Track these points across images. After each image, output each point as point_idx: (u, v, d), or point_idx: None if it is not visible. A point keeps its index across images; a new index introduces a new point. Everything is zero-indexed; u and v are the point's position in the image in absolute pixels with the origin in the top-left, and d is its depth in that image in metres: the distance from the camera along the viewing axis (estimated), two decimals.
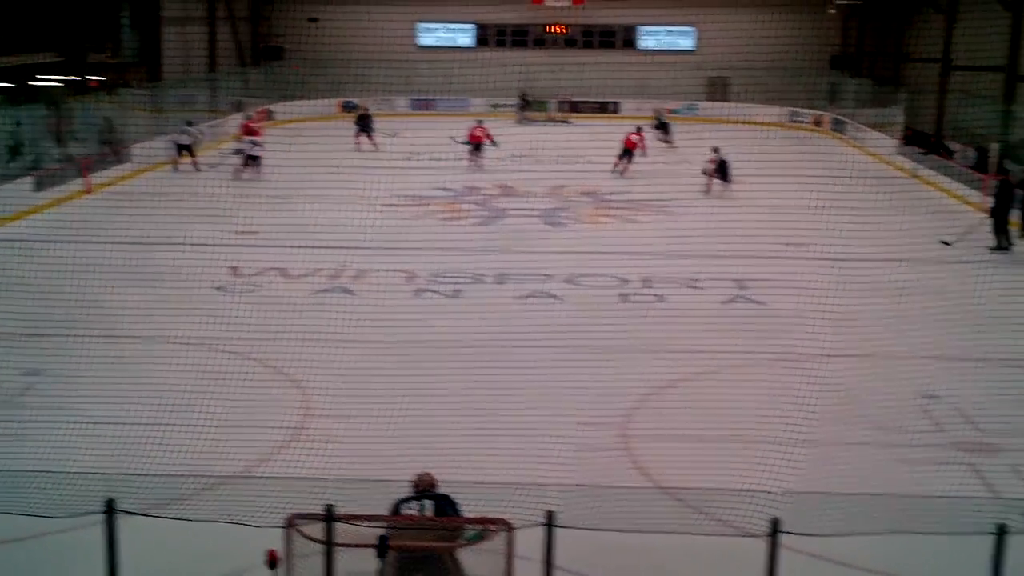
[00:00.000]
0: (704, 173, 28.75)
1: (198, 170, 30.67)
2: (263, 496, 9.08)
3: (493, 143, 32.57)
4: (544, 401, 12.13)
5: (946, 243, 20.99)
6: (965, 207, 26.19)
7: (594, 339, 14.61)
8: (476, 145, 32.68)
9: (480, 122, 34.05)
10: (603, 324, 15.25)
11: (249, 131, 32.11)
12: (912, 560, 9.01)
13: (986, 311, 15.49)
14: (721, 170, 28.52)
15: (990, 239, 21.60)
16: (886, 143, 35.36)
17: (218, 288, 17.49)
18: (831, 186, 25.32)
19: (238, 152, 30.93)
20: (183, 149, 31.39)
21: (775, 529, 7.73)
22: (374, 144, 35.99)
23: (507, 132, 39.55)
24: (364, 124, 36.98)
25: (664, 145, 36.53)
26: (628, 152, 31.70)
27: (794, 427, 11.57)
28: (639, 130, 32.88)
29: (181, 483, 9.64)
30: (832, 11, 46.52)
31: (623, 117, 46.42)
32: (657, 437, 11.52)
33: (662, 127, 38.08)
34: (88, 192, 26.60)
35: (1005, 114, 29.57)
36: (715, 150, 28.80)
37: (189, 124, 32.56)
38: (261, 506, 8.19)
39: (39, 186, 25.42)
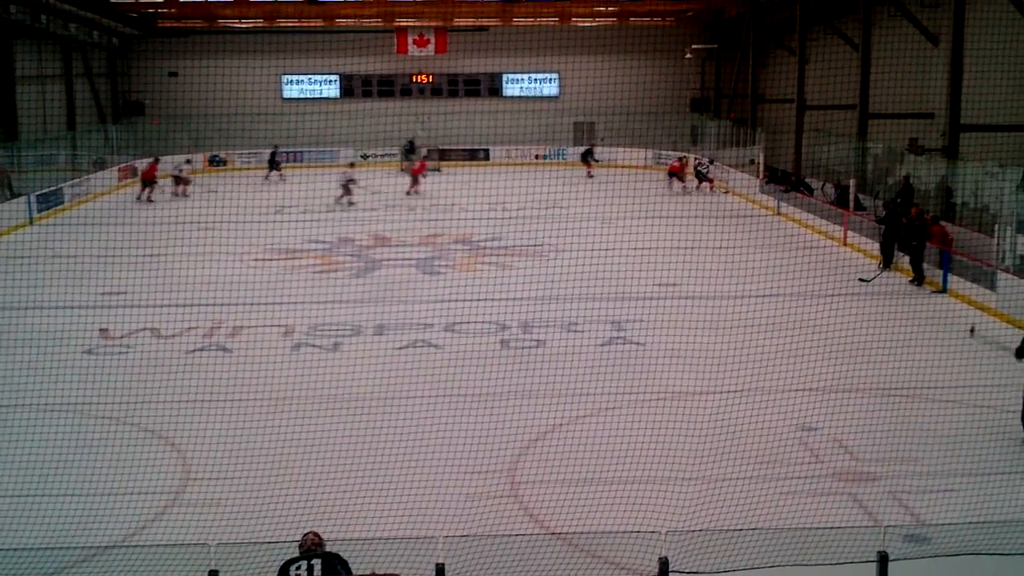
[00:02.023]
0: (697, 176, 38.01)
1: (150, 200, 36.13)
2: (144, 565, 8.81)
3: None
4: (430, 451, 12.04)
5: (864, 280, 21.43)
6: (828, 241, 27.03)
7: (477, 387, 14.58)
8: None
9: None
10: (485, 371, 15.23)
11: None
12: None
13: (855, 342, 15.95)
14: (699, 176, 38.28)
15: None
16: (749, 182, 36.34)
17: (87, 351, 16.96)
18: (699, 226, 26.00)
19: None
20: (180, 181, 37.91)
21: (664, 569, 7.78)
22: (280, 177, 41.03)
23: (381, 181, 39.67)
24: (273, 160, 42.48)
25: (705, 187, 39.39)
26: (674, 175, 38.73)
27: (678, 465, 11.74)
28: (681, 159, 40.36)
29: (56, 556, 9.24)
30: (689, 56, 47.87)
31: (494, 164, 46.93)
32: (545, 482, 11.51)
33: (700, 176, 39.93)
34: None
35: (859, 150, 30.67)
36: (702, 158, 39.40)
37: (188, 162, 40.31)
38: None
39: None
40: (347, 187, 35.17)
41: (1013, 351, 13.42)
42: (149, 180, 37.12)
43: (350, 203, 34.82)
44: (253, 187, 37.64)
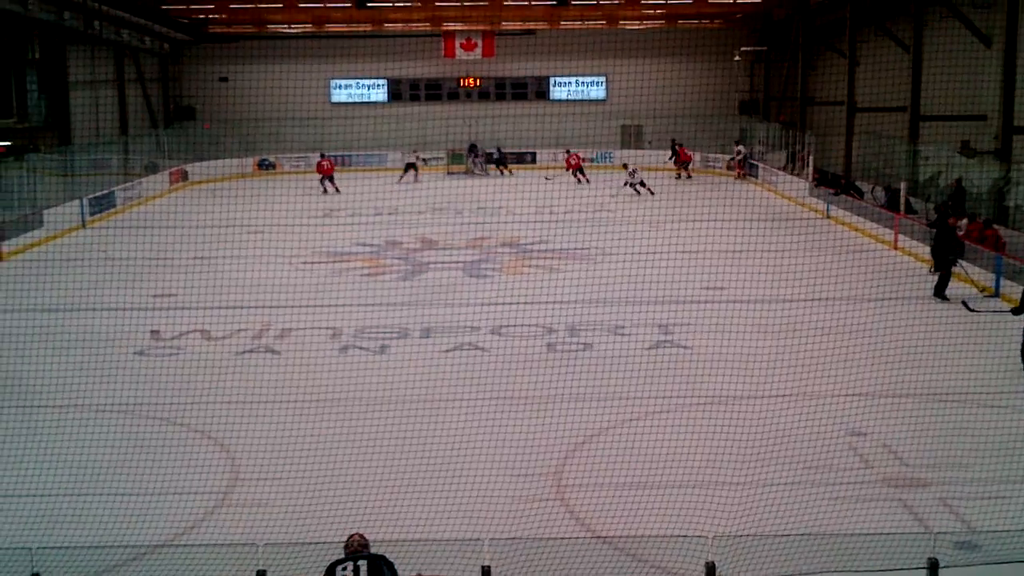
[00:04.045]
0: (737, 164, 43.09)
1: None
2: (193, 565, 8.90)
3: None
4: (476, 454, 12.04)
5: (968, 307, 18.62)
6: (879, 245, 26.76)
7: (523, 390, 14.58)
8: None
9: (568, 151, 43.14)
10: (532, 374, 15.23)
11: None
12: None
13: (905, 347, 15.77)
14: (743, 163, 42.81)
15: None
16: (798, 185, 36.08)
17: (138, 353, 17.16)
18: (747, 229, 25.85)
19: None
20: (410, 167, 42.47)
21: (711, 573, 7.75)
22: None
23: (427, 184, 39.86)
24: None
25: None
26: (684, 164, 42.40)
27: (725, 469, 11.67)
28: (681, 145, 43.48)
29: (107, 555, 9.36)
30: (738, 59, 47.58)
31: (540, 167, 46.94)
32: (591, 485, 11.49)
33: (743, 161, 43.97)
34: (0, 259, 26.01)
35: (910, 153, 30.36)
36: (737, 142, 43.54)
37: (415, 151, 44.38)
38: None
39: None
40: (412, 167, 38.70)
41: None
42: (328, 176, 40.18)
43: (415, 179, 39.71)
44: (390, 187, 38.26)
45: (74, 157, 36.67)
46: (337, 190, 39.43)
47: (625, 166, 39.58)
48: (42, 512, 10.72)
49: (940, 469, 11.78)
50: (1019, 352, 15.25)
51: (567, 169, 42.98)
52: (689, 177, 43.53)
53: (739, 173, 43.65)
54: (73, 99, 39.21)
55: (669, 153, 44.88)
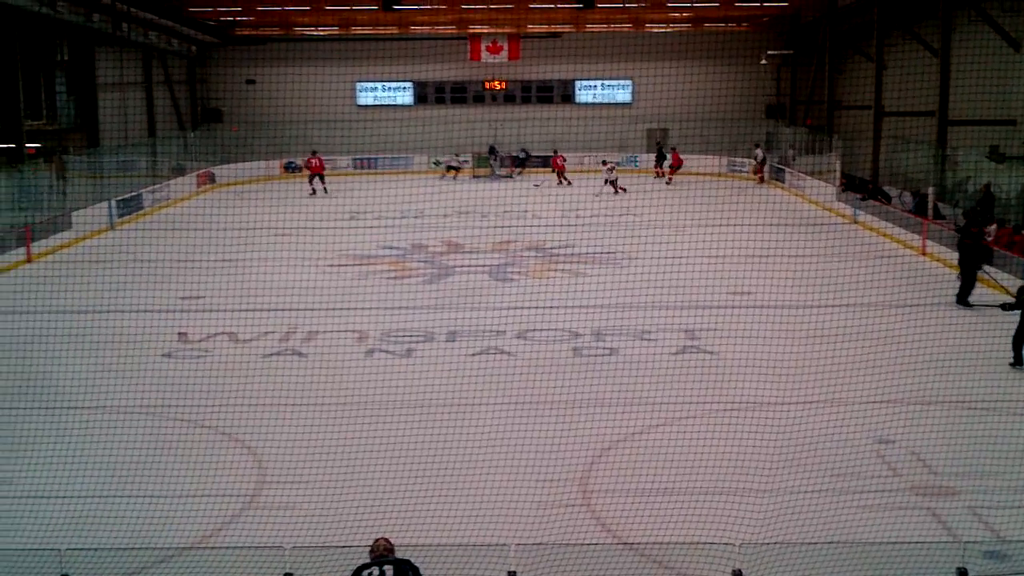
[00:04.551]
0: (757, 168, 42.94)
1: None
2: (220, 567, 8.93)
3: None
4: (502, 459, 12.05)
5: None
6: (906, 250, 26.61)
7: (549, 394, 14.58)
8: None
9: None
10: (557, 379, 15.23)
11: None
12: None
13: (933, 354, 15.67)
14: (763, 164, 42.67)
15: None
16: (825, 190, 35.93)
17: (165, 355, 17.26)
18: (774, 234, 25.76)
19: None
20: (451, 168, 43.40)
21: None
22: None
23: (453, 188, 39.90)
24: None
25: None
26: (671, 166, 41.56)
27: (752, 476, 11.62)
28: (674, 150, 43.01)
29: (135, 556, 9.42)
30: (764, 62, 47.44)
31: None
32: (617, 491, 11.47)
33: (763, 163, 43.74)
34: (29, 261, 26.21)
35: (938, 157, 30.18)
36: (756, 145, 43.38)
37: (457, 155, 45.14)
38: None
39: None
40: (452, 167, 40.26)
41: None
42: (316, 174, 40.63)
43: (454, 177, 40.88)
44: (418, 189, 38.33)
45: (102, 159, 36.92)
46: (325, 190, 39.74)
47: (604, 163, 39.78)
48: (71, 514, 10.80)
49: (969, 478, 11.70)
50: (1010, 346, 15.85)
51: (554, 171, 43.50)
52: (668, 183, 42.75)
53: (760, 177, 43.44)
54: (101, 101, 39.51)
55: (655, 156, 45.02)
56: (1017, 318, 15.78)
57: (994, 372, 15.27)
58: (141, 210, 34.86)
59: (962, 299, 19.99)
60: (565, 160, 43.66)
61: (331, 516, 10.56)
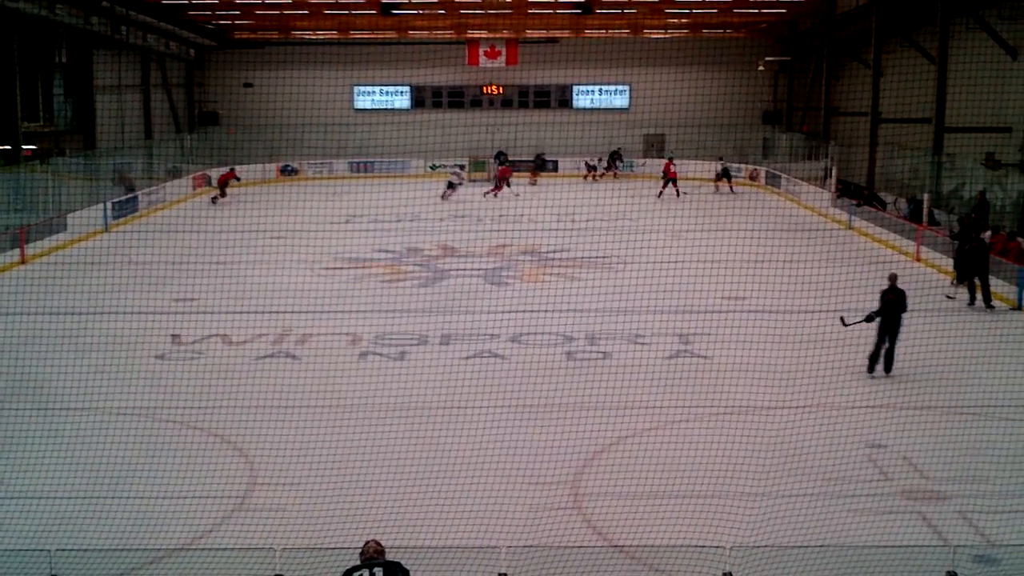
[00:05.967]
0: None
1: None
2: (211, 569, 8.91)
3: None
4: (494, 461, 12.03)
5: (950, 297, 20.61)
6: (901, 256, 26.62)
7: (542, 398, 14.56)
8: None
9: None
10: (550, 382, 15.22)
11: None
12: None
13: (926, 359, 15.68)
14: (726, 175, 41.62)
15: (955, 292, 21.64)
16: (821, 196, 35.96)
17: (158, 356, 17.24)
18: (769, 239, 25.76)
19: None
20: (451, 186, 39.78)
21: None
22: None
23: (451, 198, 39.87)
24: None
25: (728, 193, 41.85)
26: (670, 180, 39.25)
27: (744, 480, 11.63)
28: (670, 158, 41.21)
29: (125, 558, 9.40)
30: (761, 68, 47.52)
31: (562, 175, 46.97)
32: (608, 494, 11.47)
33: (725, 174, 42.31)
34: (23, 262, 26.20)
35: (934, 164, 30.21)
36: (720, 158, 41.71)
37: (460, 167, 42.69)
38: None
39: None
40: (452, 184, 39.23)
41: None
42: (223, 184, 39.31)
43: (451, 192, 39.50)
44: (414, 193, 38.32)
45: (98, 161, 36.89)
46: (223, 194, 39.18)
47: (587, 163, 40.17)
48: (61, 515, 10.78)
49: (960, 482, 11.71)
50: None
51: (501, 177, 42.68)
52: (659, 195, 39.94)
53: (718, 187, 42.29)
54: (99, 103, 39.48)
55: (718, 173, 43.42)
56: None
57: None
58: (136, 212, 34.86)
59: (987, 302, 20.46)
60: (512, 168, 43.39)
61: (322, 518, 10.55)
